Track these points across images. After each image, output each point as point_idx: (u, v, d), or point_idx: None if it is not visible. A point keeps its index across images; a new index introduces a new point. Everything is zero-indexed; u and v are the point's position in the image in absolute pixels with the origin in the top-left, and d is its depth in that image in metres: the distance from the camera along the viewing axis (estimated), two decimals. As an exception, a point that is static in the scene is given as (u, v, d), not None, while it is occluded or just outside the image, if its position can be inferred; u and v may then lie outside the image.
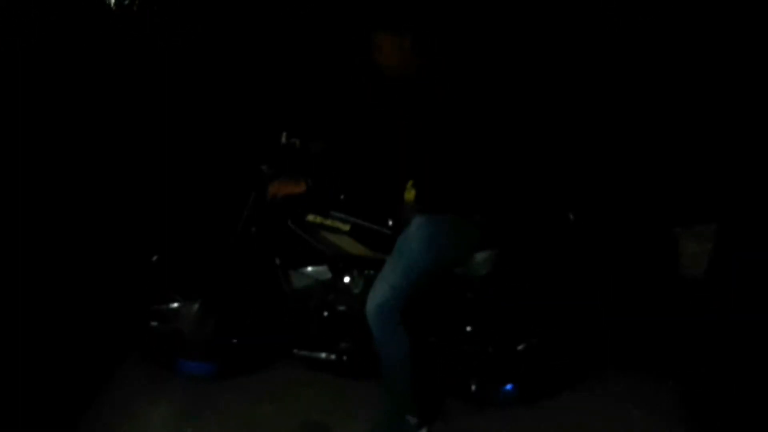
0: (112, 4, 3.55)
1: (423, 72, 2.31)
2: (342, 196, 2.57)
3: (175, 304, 2.75)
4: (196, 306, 2.74)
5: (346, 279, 2.63)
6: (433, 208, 2.38)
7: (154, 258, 2.77)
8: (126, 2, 3.56)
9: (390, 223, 2.59)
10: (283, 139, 2.68)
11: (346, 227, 2.56)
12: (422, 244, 2.35)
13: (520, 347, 2.65)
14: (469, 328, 2.64)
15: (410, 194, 2.52)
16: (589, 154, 3.33)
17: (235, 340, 2.80)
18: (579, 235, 2.62)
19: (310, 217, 2.58)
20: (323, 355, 2.71)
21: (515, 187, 2.76)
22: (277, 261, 2.66)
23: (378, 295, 2.36)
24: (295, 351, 2.74)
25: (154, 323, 2.75)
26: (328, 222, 2.57)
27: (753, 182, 2.67)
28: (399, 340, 2.35)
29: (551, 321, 2.64)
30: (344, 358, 2.69)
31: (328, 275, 2.64)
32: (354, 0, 3.03)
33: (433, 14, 2.42)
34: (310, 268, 2.65)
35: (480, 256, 2.53)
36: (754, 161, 2.70)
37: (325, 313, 2.66)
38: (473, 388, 2.67)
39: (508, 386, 2.68)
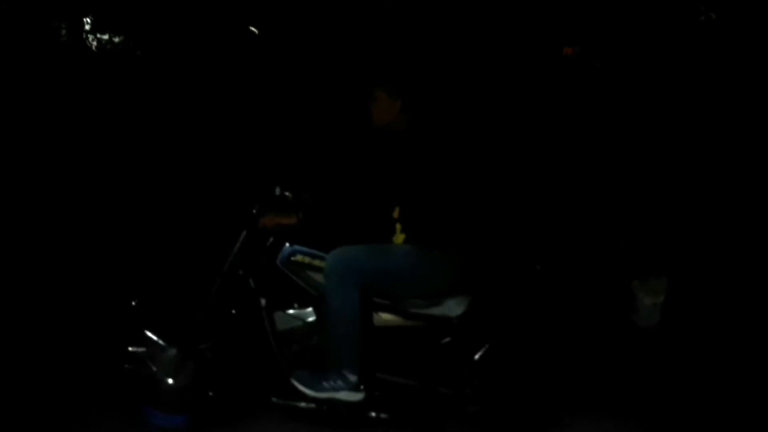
0: (93, 47, 3.71)
1: (412, 129, 2.62)
2: (331, 232, 2.66)
3: (153, 348, 2.68)
4: (174, 351, 2.68)
5: (331, 322, 2.65)
6: (421, 243, 2.58)
7: (134, 302, 2.73)
8: (108, 45, 3.72)
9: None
10: (277, 192, 2.79)
11: (334, 267, 2.62)
12: (404, 266, 2.57)
13: (495, 391, 2.68)
14: (445, 372, 2.67)
15: (398, 239, 2.67)
16: (555, 210, 3.58)
17: (211, 391, 2.71)
18: (545, 285, 2.77)
19: (298, 257, 2.64)
20: (303, 404, 2.65)
21: (493, 234, 2.94)
22: (263, 302, 2.67)
23: (346, 258, 2.53)
24: (274, 399, 2.67)
25: (128, 366, 2.66)
26: (316, 262, 2.63)
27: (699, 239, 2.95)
28: (351, 298, 2.50)
29: (524, 365, 2.70)
30: (325, 407, 2.64)
31: (313, 317, 2.66)
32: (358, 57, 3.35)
33: (423, 83, 2.78)
34: (295, 310, 2.67)
35: (456, 298, 2.65)
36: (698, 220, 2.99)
37: (308, 357, 2.64)
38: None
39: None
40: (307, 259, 2.64)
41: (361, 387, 2.57)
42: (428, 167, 2.56)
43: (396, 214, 2.68)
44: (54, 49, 3.68)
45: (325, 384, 2.57)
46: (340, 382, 2.56)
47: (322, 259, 2.64)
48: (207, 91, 3.86)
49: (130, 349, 2.67)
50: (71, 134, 3.63)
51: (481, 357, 2.69)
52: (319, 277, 2.63)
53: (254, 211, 2.70)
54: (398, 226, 2.67)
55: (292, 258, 2.65)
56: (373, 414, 2.66)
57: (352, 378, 2.56)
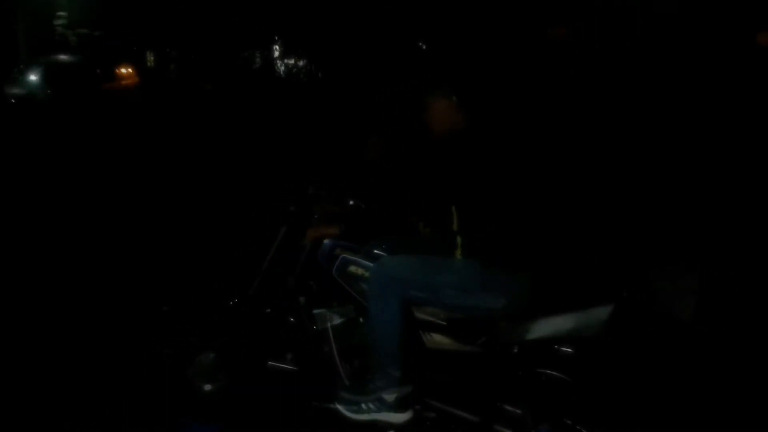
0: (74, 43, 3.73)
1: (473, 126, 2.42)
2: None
3: (189, 353, 2.58)
4: (211, 356, 2.58)
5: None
6: (481, 257, 2.31)
7: (164, 308, 2.66)
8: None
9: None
10: (310, 191, 2.77)
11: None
12: (456, 283, 2.30)
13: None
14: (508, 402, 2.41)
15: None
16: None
17: (244, 396, 2.61)
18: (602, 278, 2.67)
19: (352, 269, 2.52)
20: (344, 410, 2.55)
21: (560, 243, 2.76)
22: (302, 300, 2.61)
23: (391, 268, 2.36)
24: (314, 403, 2.57)
25: (162, 372, 2.55)
26: (368, 274, 2.54)
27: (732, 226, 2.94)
28: (390, 310, 2.33)
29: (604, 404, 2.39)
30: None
31: (353, 314, 2.60)
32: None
33: (472, 71, 2.71)
34: (335, 308, 2.61)
35: (533, 322, 2.32)
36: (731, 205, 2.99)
37: (349, 357, 2.57)
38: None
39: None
40: (360, 271, 2.51)
41: (407, 407, 2.39)
42: (492, 165, 2.31)
43: (455, 226, 2.36)
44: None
45: (363, 406, 2.42)
46: (378, 404, 2.40)
47: None
48: (245, 92, 3.89)
49: (165, 351, 2.57)
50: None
51: (553, 390, 2.36)
52: None
53: (291, 208, 2.67)
54: (459, 240, 2.35)
55: (347, 270, 2.52)
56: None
57: (390, 398, 2.38)
